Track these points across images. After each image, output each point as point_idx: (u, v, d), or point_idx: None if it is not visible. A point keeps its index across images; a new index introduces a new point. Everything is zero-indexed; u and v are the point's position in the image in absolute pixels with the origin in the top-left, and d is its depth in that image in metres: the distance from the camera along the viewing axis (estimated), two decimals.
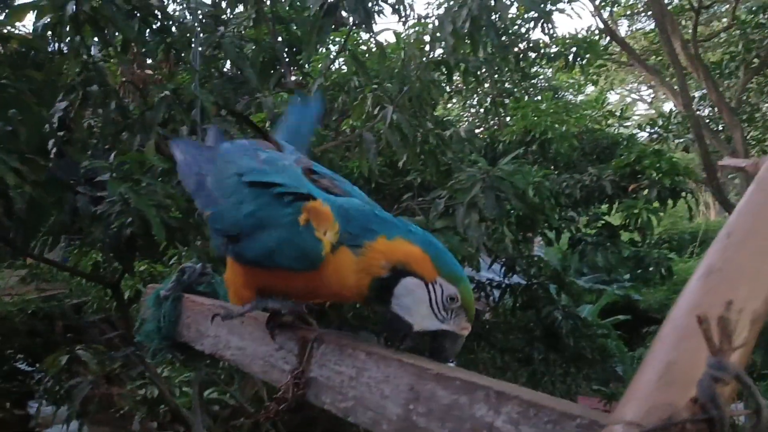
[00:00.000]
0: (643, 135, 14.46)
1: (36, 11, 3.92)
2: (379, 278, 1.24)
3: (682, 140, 14.04)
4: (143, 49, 5.58)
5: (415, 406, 1.05)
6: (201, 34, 3.71)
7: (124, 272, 5.02)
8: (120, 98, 4.48)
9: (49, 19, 3.88)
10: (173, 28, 4.79)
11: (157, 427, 6.10)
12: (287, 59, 5.56)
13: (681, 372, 0.69)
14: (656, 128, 14.08)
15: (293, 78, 6.19)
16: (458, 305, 1.24)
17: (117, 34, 4.34)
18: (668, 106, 17.69)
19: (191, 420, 5.19)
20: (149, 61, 6.20)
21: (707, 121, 14.89)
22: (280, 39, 5.57)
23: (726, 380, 0.63)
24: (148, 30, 4.52)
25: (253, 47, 5.45)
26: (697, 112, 14.24)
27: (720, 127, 14.84)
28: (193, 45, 4.32)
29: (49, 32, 4.02)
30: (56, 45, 4.59)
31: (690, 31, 13.90)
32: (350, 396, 1.20)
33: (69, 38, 3.83)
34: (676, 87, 13.79)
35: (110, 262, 5.60)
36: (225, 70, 6.48)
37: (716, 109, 14.37)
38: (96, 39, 4.21)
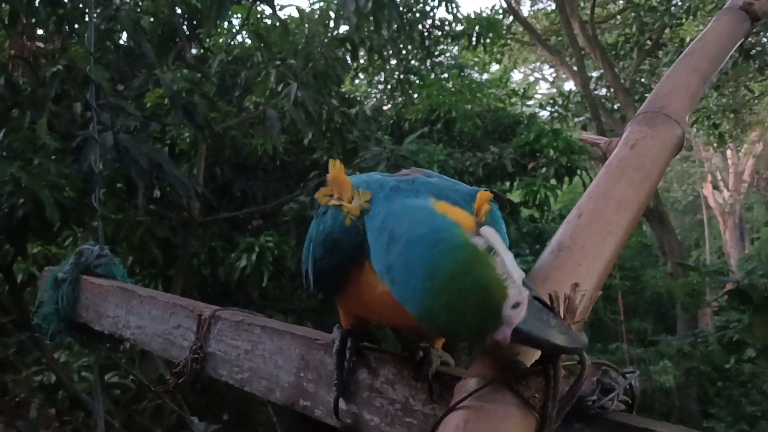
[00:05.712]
0: (544, 114, 15.02)
1: None
2: None
3: (580, 119, 14.65)
4: (33, 21, 5.30)
5: (306, 374, 1.13)
6: (96, 9, 3.56)
7: (17, 255, 4.82)
8: (9, 73, 4.25)
9: None
10: None
11: (55, 414, 5.92)
12: (187, 33, 5.40)
13: None
14: (556, 107, 14.65)
15: (193, 52, 6.04)
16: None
17: (4, 4, 4.12)
18: (569, 86, 18.41)
19: (91, 405, 5.08)
20: (40, 32, 5.88)
21: (603, 100, 15.57)
22: (179, 12, 5.40)
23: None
24: (38, 0, 4.29)
25: (151, 20, 5.27)
26: (594, 92, 14.85)
27: (615, 107, 15.54)
28: (87, 18, 4.15)
29: None
30: None
31: (588, 12, 14.41)
32: (246, 368, 1.26)
33: None
34: (575, 67, 14.29)
35: (1, 245, 5.35)
36: (121, 43, 6.23)
37: (612, 89, 15.01)
38: None
